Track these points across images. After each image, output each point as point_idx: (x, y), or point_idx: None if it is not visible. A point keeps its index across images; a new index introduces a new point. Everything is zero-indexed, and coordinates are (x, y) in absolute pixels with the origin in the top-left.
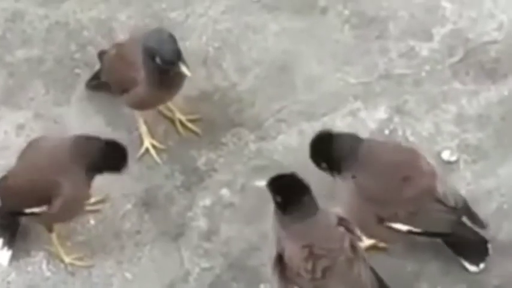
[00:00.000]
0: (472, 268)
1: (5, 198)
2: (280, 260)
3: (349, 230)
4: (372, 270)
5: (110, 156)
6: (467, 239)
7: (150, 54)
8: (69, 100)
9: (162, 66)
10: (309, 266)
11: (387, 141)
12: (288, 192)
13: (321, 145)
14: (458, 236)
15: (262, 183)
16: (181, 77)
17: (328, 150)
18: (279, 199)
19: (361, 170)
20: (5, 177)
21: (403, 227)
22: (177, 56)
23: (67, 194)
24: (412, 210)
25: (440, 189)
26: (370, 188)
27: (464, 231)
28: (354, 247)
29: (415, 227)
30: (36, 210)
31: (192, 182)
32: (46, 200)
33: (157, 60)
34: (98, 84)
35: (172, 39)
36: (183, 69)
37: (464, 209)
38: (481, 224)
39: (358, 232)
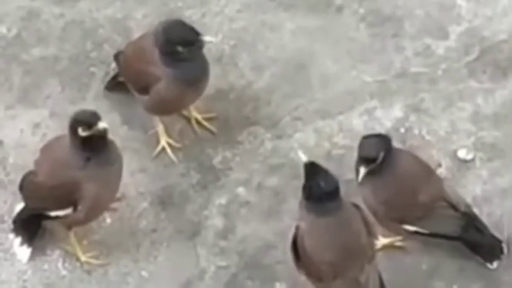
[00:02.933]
0: (491, 266)
1: (29, 200)
2: (295, 245)
3: (365, 222)
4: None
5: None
6: (479, 242)
7: (171, 47)
8: (84, 98)
9: (186, 50)
10: (324, 271)
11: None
12: (320, 186)
13: (384, 143)
14: (470, 239)
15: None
16: (206, 71)
17: (386, 149)
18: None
19: (381, 176)
20: (28, 177)
21: (411, 228)
22: (196, 33)
23: (91, 195)
24: (424, 214)
25: (452, 196)
26: (386, 197)
27: (475, 235)
28: (372, 253)
29: (424, 229)
30: (61, 213)
31: (208, 181)
32: (71, 202)
33: (180, 49)
34: (115, 84)
35: (181, 22)
36: (207, 38)
37: (472, 216)
38: (484, 228)
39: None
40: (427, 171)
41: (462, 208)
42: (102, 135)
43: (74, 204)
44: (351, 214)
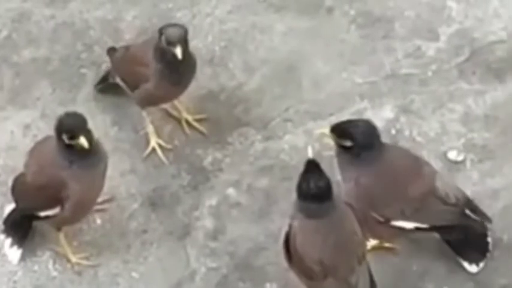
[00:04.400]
0: (471, 268)
1: (19, 201)
2: (287, 242)
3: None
4: (369, 271)
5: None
6: (471, 230)
7: (159, 33)
8: (75, 100)
9: (164, 46)
10: (314, 271)
11: (393, 146)
12: (310, 187)
13: (367, 128)
14: (463, 227)
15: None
16: (190, 72)
17: (368, 134)
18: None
19: (366, 173)
20: (19, 179)
21: (409, 225)
22: (178, 38)
23: (76, 194)
24: (417, 206)
25: (441, 188)
26: (371, 190)
27: (469, 221)
28: (362, 254)
29: (420, 223)
30: (49, 213)
31: (198, 182)
32: (58, 201)
33: (162, 39)
34: (106, 86)
35: (184, 29)
36: (177, 51)
37: (467, 204)
38: (486, 218)
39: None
40: (416, 165)
41: (453, 200)
42: (82, 148)
43: (61, 203)
44: (344, 215)
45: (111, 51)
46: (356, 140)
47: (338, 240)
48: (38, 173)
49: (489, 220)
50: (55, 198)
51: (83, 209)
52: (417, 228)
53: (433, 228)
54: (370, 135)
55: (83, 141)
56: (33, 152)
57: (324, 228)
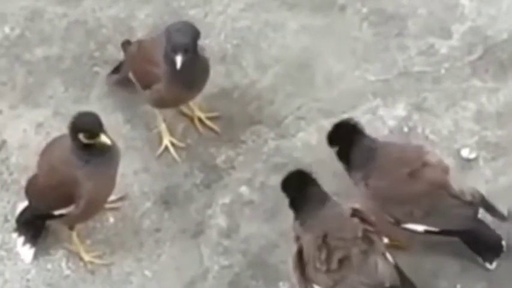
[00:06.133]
0: (489, 265)
1: (33, 200)
2: (300, 258)
3: (365, 221)
4: (396, 265)
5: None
6: (483, 235)
7: (167, 34)
8: (88, 98)
9: (168, 50)
10: (323, 255)
11: (394, 142)
12: (293, 189)
13: (344, 130)
14: (475, 232)
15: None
16: (202, 75)
17: (348, 138)
18: (288, 197)
19: (372, 173)
20: (32, 180)
21: (420, 227)
22: (180, 46)
23: (90, 192)
24: (427, 209)
25: (455, 184)
26: (381, 190)
27: (481, 227)
28: (368, 238)
29: (431, 226)
30: (63, 211)
31: (211, 180)
32: (72, 200)
33: (168, 46)
34: (118, 79)
35: (190, 32)
36: (178, 60)
37: (482, 203)
38: (501, 217)
39: (375, 224)
40: (418, 155)
41: (467, 197)
42: (103, 146)
43: (75, 202)
44: (339, 206)
45: (125, 44)
46: (338, 142)
47: (339, 225)
48: (52, 172)
49: (504, 218)
50: (69, 197)
51: (96, 207)
52: (427, 232)
53: (444, 232)
54: (349, 134)
55: (105, 139)
56: (44, 153)
57: (323, 221)
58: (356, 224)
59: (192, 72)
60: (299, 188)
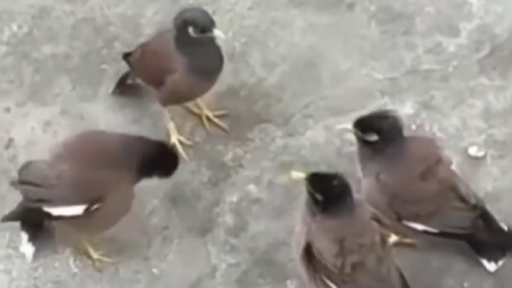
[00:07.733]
0: (490, 267)
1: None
2: (308, 251)
3: (381, 224)
4: (397, 268)
5: (164, 159)
6: (484, 239)
7: (182, 27)
8: (95, 96)
9: (197, 35)
10: (339, 262)
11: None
12: (331, 193)
13: (393, 121)
14: (475, 236)
15: (297, 175)
16: (219, 63)
17: (394, 128)
18: (320, 197)
19: (385, 168)
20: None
21: (419, 227)
22: (211, 22)
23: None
24: (433, 209)
25: (462, 187)
26: (392, 187)
27: (483, 232)
28: (384, 242)
29: (431, 227)
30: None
31: (219, 178)
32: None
33: (191, 30)
34: (124, 88)
35: (203, 10)
36: (218, 33)
37: (483, 210)
38: (500, 231)
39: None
40: (436, 158)
41: (473, 201)
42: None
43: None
44: (362, 211)
45: (126, 56)
46: (382, 133)
47: (359, 230)
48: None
49: (503, 233)
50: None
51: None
52: (426, 232)
53: (442, 234)
54: (396, 129)
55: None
56: (70, 147)
57: (344, 225)
58: (375, 229)
59: (209, 60)
60: (336, 194)
